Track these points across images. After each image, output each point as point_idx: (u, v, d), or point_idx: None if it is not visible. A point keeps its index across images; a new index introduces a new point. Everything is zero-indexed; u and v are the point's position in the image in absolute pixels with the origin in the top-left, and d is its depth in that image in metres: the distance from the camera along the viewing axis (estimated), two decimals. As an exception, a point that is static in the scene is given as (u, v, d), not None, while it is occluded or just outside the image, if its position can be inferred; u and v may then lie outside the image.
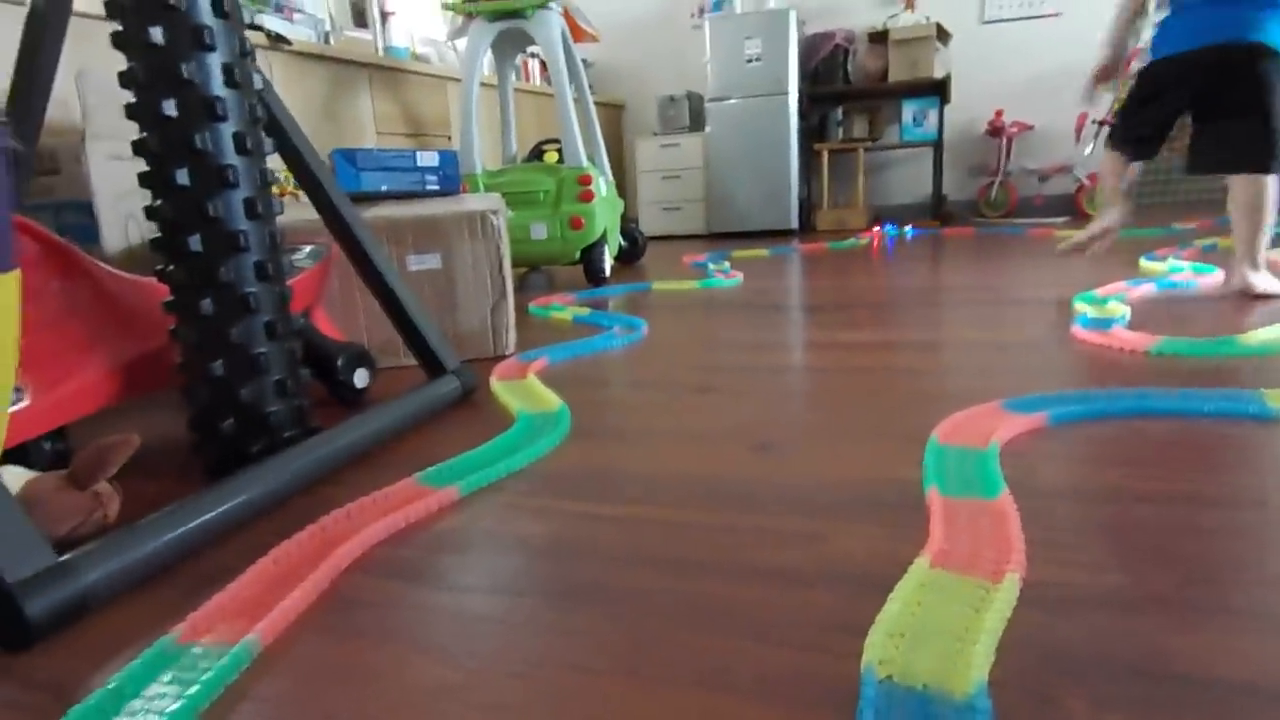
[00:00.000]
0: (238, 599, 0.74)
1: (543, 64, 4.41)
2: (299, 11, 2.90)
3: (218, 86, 1.00)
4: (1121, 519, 0.80)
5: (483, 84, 3.11)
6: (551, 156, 3.13)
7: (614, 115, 5.22)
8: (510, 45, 3.05)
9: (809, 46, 4.66)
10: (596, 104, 3.46)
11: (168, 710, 0.57)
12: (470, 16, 2.82)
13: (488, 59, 2.95)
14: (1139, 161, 2.12)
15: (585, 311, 2.22)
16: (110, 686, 0.60)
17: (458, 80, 3.21)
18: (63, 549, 0.75)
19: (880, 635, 0.60)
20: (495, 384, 1.47)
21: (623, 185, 4.94)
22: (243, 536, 0.90)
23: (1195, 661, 0.57)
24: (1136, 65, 2.20)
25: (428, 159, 1.91)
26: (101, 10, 1.00)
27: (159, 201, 1.02)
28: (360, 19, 3.54)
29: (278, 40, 2.43)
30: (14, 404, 0.95)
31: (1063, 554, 0.74)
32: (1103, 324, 1.62)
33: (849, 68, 4.69)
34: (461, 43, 3.09)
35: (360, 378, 1.43)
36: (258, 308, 1.05)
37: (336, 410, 1.37)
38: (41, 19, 1.13)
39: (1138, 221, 3.47)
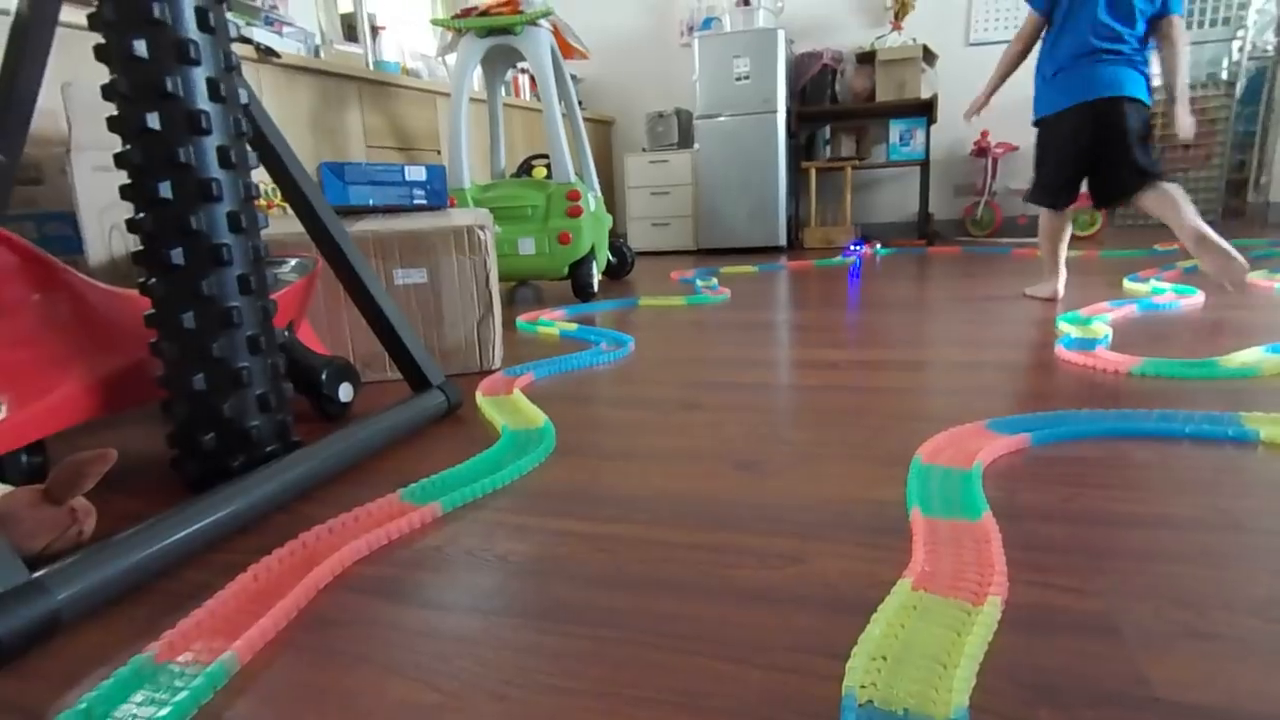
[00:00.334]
0: (216, 616, 0.73)
1: (532, 79, 4.42)
2: (289, 25, 2.90)
3: (202, 100, 1.00)
4: (1103, 541, 0.81)
5: (472, 99, 3.11)
6: (540, 172, 3.14)
7: (603, 131, 5.24)
8: (500, 61, 3.06)
9: (797, 66, 4.71)
10: (585, 120, 3.47)
11: (139, 732, 0.56)
12: (460, 32, 2.83)
13: (477, 74, 2.96)
14: (1068, 209, 2.32)
15: (572, 327, 2.22)
16: (80, 707, 0.59)
17: (447, 95, 3.22)
18: (36, 565, 0.74)
19: (862, 658, 0.60)
20: (480, 399, 1.47)
21: (611, 201, 4.96)
22: (222, 553, 0.89)
23: (1174, 686, 0.57)
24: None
25: (416, 173, 1.91)
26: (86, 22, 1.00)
27: (141, 214, 1.01)
28: (351, 33, 3.55)
29: (267, 53, 2.43)
30: (-10, 417, 0.94)
31: (1044, 576, 0.74)
32: (1086, 344, 1.63)
33: (837, 87, 4.74)
34: (451, 58, 3.09)
35: (344, 392, 1.42)
36: (240, 322, 1.05)
37: (320, 425, 1.36)
38: (26, 29, 1.12)
39: (1120, 244, 3.50)
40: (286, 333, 1.38)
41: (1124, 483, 0.96)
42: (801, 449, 1.15)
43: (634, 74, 5.28)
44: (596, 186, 3.14)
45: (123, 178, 1.02)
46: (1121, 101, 2.09)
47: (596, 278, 2.88)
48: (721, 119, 4.46)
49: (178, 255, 1.00)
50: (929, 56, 4.50)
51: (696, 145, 4.57)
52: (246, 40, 2.41)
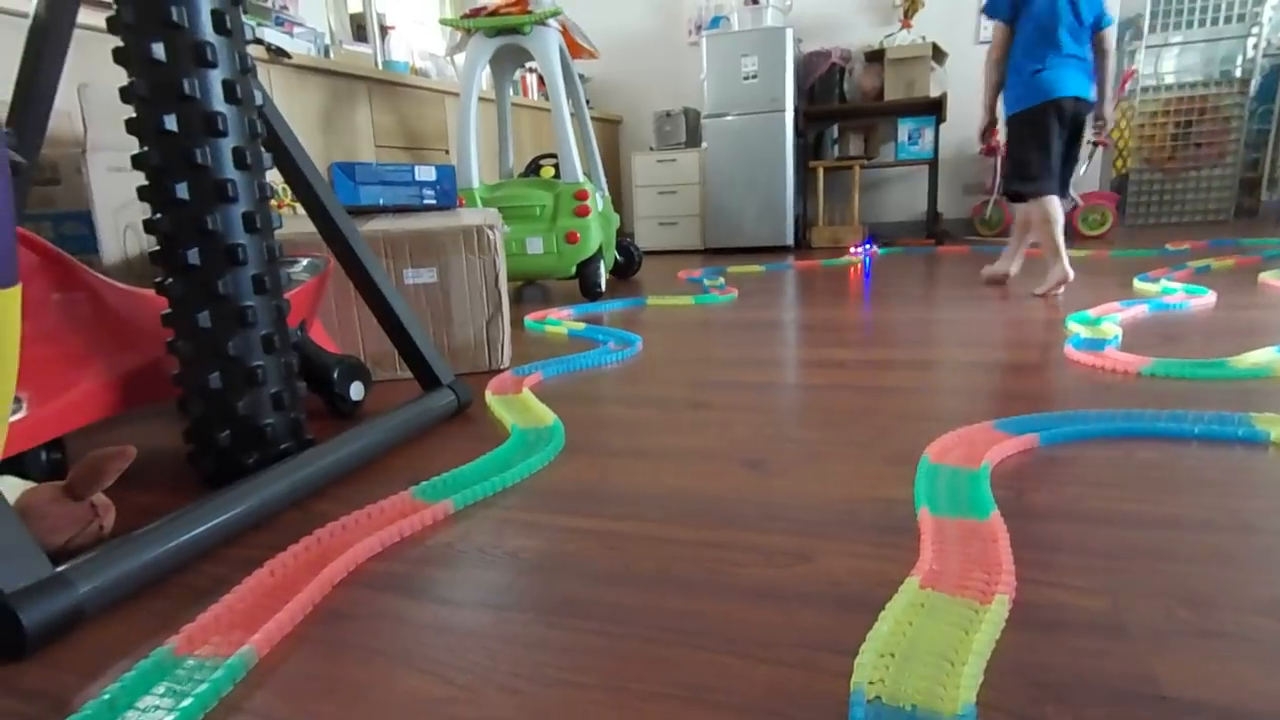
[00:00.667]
0: (234, 610, 0.75)
1: (540, 79, 4.43)
2: (299, 25, 2.92)
3: (218, 102, 1.01)
4: (1110, 541, 0.81)
5: (481, 99, 3.13)
6: (548, 171, 3.15)
7: (611, 130, 5.25)
8: (508, 60, 3.08)
9: (805, 64, 4.70)
10: (593, 119, 3.49)
11: (160, 723, 0.57)
12: (469, 32, 2.85)
13: (486, 74, 2.97)
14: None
15: (580, 326, 2.23)
16: (104, 698, 0.60)
17: (456, 95, 3.23)
18: (59, 560, 0.75)
19: (870, 655, 0.61)
20: (490, 398, 1.48)
21: (619, 200, 4.96)
22: (238, 548, 0.90)
23: (1181, 685, 0.58)
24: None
25: (426, 173, 1.92)
26: (104, 24, 1.01)
27: (158, 215, 1.03)
28: (360, 33, 3.57)
29: (277, 54, 2.45)
30: (12, 414, 0.95)
31: (1051, 575, 0.74)
32: (1095, 345, 1.63)
33: (845, 86, 4.73)
34: (460, 58, 3.11)
35: (356, 391, 1.43)
36: (255, 321, 1.06)
37: (332, 423, 1.37)
38: (44, 31, 1.14)
39: (1131, 243, 3.49)
40: (299, 331, 1.39)
41: (1132, 483, 0.96)
42: (809, 448, 1.16)
43: (642, 73, 5.29)
44: (604, 186, 3.15)
45: (138, 178, 1.03)
46: (1086, 103, 2.39)
47: (604, 277, 2.89)
48: (729, 118, 4.46)
49: (194, 255, 1.01)
50: (938, 55, 4.49)
51: (704, 144, 4.57)
52: (258, 41, 2.42)
